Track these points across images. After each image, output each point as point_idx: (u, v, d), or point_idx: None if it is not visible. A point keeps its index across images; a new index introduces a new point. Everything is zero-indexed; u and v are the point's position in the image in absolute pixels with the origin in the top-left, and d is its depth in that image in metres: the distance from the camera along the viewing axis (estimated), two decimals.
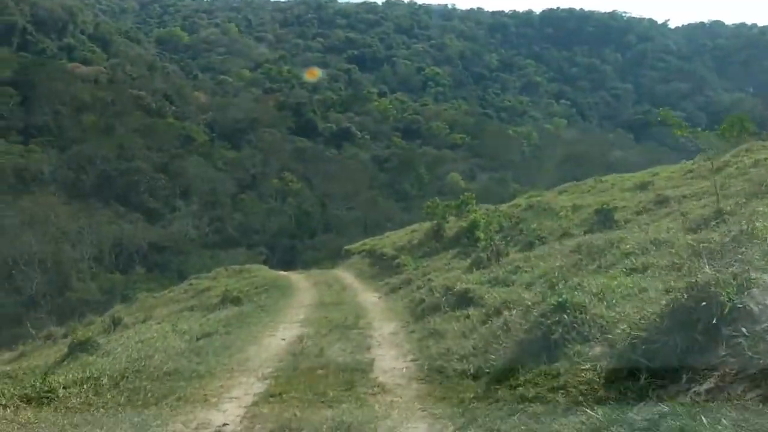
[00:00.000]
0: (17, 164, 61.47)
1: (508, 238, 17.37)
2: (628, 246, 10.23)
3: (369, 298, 18.40)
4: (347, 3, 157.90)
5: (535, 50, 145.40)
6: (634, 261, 9.11)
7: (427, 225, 28.25)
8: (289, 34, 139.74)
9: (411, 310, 13.93)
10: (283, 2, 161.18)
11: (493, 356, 7.61)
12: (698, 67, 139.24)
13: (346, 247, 39.22)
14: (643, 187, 20.24)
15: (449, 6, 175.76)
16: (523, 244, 16.42)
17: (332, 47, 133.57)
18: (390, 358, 9.72)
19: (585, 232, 15.05)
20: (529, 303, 8.64)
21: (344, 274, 27.85)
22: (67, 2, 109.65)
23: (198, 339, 11.86)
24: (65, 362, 11.46)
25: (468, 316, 10.28)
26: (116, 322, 16.59)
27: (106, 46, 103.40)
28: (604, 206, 16.60)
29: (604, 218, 15.84)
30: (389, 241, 32.41)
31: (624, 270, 8.73)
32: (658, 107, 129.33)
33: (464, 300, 11.47)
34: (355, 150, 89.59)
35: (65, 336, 16.53)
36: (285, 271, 33.62)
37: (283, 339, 11.74)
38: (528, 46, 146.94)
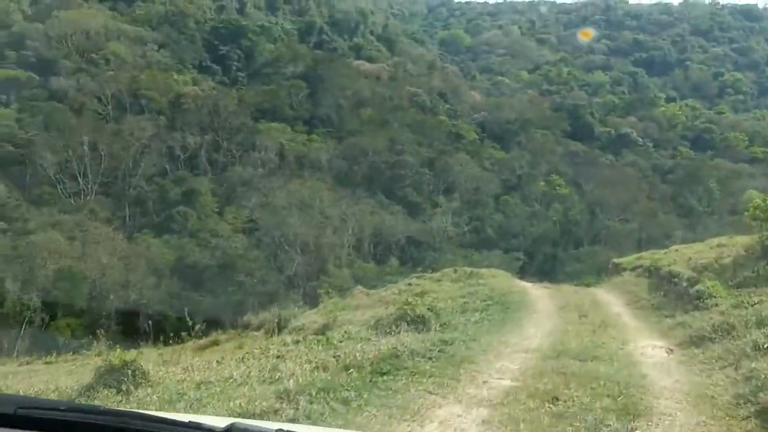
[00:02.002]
0: (299, 152, 65.58)
1: None
2: None
3: (648, 350, 11.29)
4: (638, 4, 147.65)
5: None
6: None
7: (743, 239, 19.85)
8: (573, 35, 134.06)
9: (754, 408, 7.09)
10: (569, 4, 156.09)
11: None
12: None
13: (615, 260, 30.84)
14: None
15: (757, 5, 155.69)
16: None
17: (618, 49, 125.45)
18: None
19: None
20: None
21: (609, 297, 20.47)
22: (360, 5, 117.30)
23: None
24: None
25: None
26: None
27: (392, 45, 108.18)
28: None
29: None
30: (679, 255, 22.94)
31: None
32: None
33: None
34: (634, 157, 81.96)
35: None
36: (539, 282, 28.93)
37: None
38: None
